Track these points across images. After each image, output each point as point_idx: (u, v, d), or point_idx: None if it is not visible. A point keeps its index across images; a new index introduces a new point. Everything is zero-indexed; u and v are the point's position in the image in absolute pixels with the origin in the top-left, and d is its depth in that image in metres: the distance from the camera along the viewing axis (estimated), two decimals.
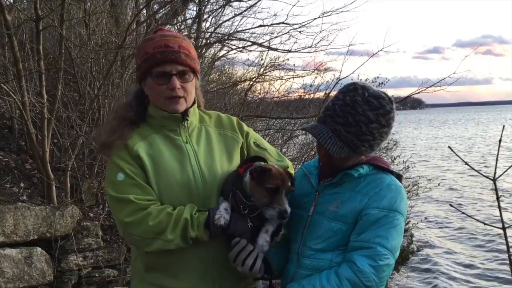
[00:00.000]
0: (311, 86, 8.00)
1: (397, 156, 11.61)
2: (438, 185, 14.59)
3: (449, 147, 2.24)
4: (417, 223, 11.31)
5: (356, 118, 1.88)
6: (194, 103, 2.25)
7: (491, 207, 14.10)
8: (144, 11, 7.04)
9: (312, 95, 8.08)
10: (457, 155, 2.12)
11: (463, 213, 2.26)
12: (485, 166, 21.83)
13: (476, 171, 2.23)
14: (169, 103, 2.12)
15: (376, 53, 5.97)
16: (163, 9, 6.78)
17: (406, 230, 9.55)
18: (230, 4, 8.05)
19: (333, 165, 2.03)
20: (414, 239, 10.13)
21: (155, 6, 7.50)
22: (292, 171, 2.31)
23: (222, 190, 2.15)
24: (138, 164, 2.08)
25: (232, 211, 2.04)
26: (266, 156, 2.28)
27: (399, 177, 2.06)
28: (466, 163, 2.16)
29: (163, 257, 2.09)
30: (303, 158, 7.86)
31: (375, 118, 1.89)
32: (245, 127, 2.40)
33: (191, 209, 2.03)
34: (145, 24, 6.11)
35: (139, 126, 2.20)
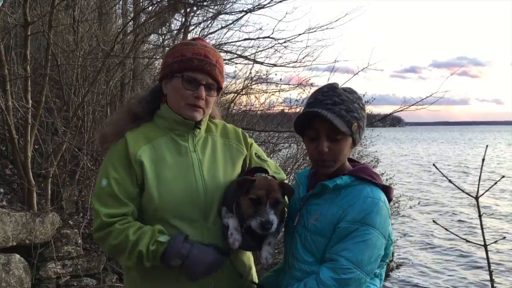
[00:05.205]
0: (296, 100, 8.05)
1: (382, 174, 11.70)
2: (419, 203, 14.74)
3: (433, 165, 2.30)
4: (396, 240, 11.39)
5: (341, 98, 1.97)
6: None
7: (465, 222, 14.33)
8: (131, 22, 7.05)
9: (296, 109, 8.13)
10: (442, 173, 2.18)
11: (446, 229, 2.32)
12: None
13: (459, 188, 2.30)
14: (189, 108, 2.13)
15: (362, 70, 6.11)
16: (152, 19, 6.81)
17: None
18: (218, 17, 8.13)
19: (333, 158, 1.99)
20: (394, 257, 10.18)
21: (142, 15, 7.51)
22: None
23: (224, 198, 2.16)
24: (135, 169, 2.07)
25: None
26: (265, 167, 2.29)
27: (386, 189, 2.01)
28: (450, 181, 2.22)
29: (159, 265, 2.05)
30: (287, 171, 7.89)
31: (354, 99, 2.00)
32: (249, 139, 2.43)
33: (149, 238, 1.98)
34: (132, 34, 6.12)
35: (139, 125, 2.20)
